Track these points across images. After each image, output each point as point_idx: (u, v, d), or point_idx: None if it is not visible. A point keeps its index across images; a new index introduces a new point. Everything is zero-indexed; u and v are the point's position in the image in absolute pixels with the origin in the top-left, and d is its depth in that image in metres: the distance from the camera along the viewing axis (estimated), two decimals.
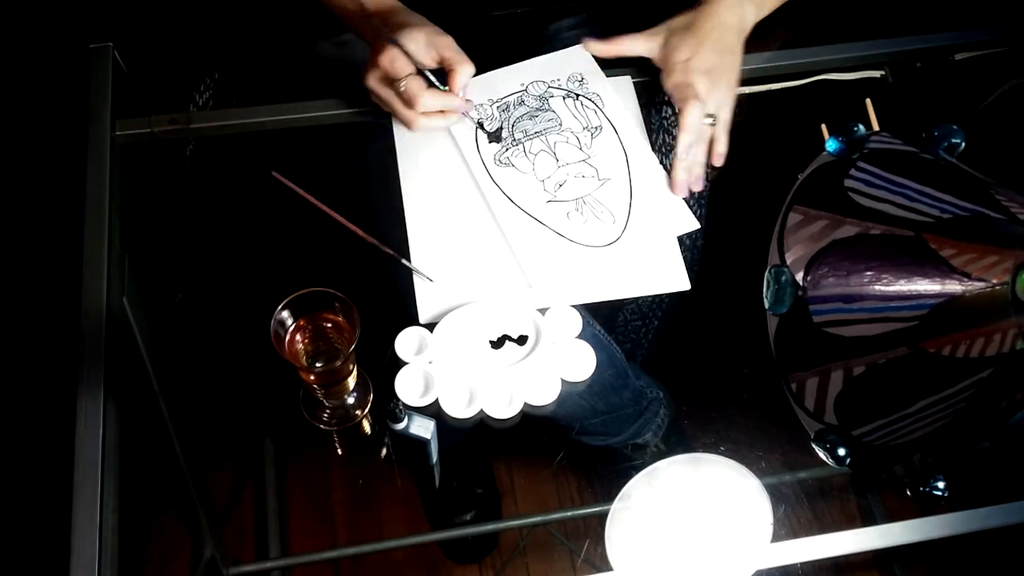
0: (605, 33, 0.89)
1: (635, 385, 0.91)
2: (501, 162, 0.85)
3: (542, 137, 0.86)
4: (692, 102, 0.81)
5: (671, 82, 0.84)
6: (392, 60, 0.77)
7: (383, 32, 0.78)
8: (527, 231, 0.81)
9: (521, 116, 0.87)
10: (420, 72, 0.79)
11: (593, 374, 0.78)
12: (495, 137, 0.84)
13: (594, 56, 0.91)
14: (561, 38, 0.98)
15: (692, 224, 0.82)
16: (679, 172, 0.82)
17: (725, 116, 0.83)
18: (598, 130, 0.87)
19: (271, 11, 1.02)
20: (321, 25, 0.99)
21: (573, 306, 0.78)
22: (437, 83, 0.80)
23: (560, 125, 0.87)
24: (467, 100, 0.83)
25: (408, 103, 0.79)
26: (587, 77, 0.91)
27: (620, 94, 0.90)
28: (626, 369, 0.89)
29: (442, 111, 0.82)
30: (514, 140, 0.86)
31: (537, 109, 0.88)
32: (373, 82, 0.80)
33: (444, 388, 0.75)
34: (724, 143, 0.83)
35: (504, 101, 0.88)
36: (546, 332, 0.77)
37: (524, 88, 0.90)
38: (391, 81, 0.78)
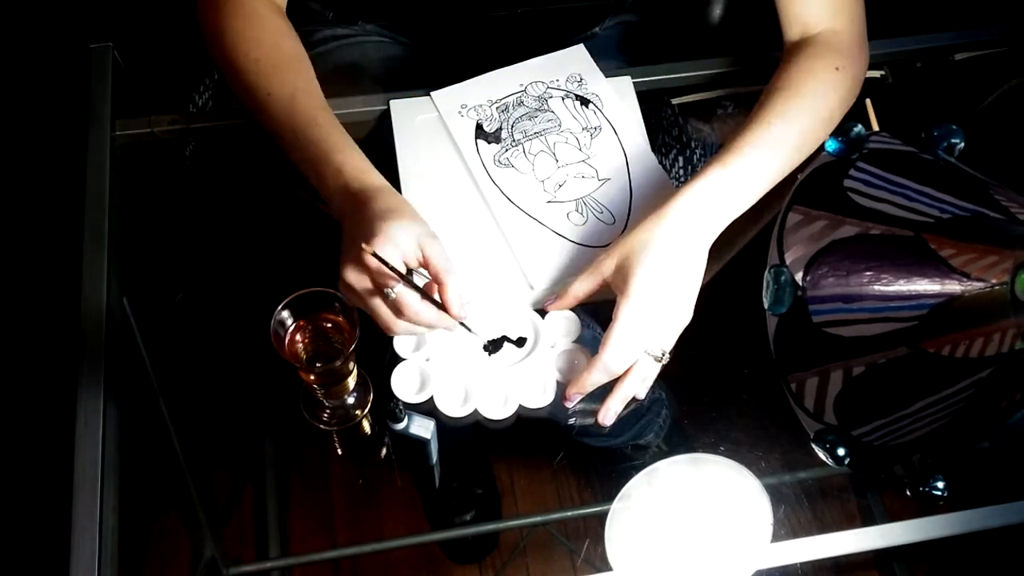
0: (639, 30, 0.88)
1: None
2: (501, 163, 0.85)
3: (541, 138, 0.86)
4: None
5: (614, 327, 0.71)
6: (382, 265, 0.65)
7: (365, 221, 0.67)
8: (527, 232, 0.81)
9: (520, 117, 0.87)
10: (408, 273, 0.68)
11: None
12: (494, 138, 0.84)
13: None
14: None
15: None
16: (587, 385, 0.72)
17: (669, 354, 0.73)
18: (597, 130, 0.87)
19: None
20: (319, 26, 0.99)
21: (573, 308, 0.78)
22: (423, 288, 0.68)
23: (559, 125, 0.87)
24: (462, 312, 0.70)
25: (396, 311, 0.67)
26: (586, 77, 0.91)
27: (621, 95, 0.90)
28: None
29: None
30: (513, 141, 0.86)
31: (536, 110, 0.88)
32: (355, 279, 0.67)
33: (439, 386, 0.75)
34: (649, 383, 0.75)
35: (503, 102, 0.88)
36: (544, 335, 0.77)
37: (523, 89, 0.90)
38: (376, 287, 0.67)
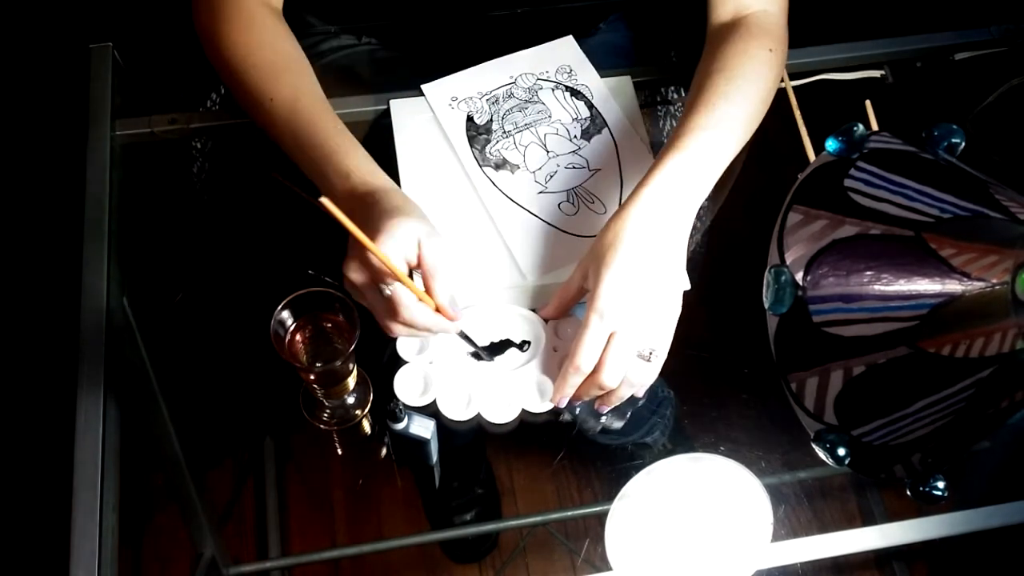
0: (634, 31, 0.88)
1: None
2: (491, 155, 0.85)
3: (532, 129, 0.86)
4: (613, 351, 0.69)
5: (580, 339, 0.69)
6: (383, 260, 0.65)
7: (370, 220, 0.67)
8: (519, 223, 0.81)
9: (511, 108, 0.87)
10: (409, 274, 0.68)
11: None
12: (485, 130, 0.82)
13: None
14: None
15: None
16: (566, 387, 0.71)
17: (661, 355, 0.71)
18: (587, 121, 0.87)
19: None
20: (319, 37, 0.99)
21: (582, 303, 0.78)
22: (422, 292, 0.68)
23: (549, 117, 0.87)
24: (455, 314, 0.70)
25: (393, 311, 0.67)
26: (576, 68, 0.91)
27: (621, 94, 0.90)
28: None
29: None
30: (504, 132, 0.86)
31: (526, 101, 0.88)
32: (357, 275, 0.67)
33: (443, 389, 0.75)
34: (650, 381, 0.73)
35: (493, 94, 0.89)
36: (548, 339, 0.77)
37: (513, 80, 0.90)
38: (374, 282, 0.67)
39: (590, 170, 0.85)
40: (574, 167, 0.85)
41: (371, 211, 0.68)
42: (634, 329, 0.69)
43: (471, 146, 0.86)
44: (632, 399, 0.74)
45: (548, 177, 0.84)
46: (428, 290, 0.68)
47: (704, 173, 0.73)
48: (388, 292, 0.66)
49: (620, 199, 0.83)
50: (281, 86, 0.77)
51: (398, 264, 0.65)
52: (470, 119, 0.86)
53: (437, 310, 0.68)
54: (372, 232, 0.65)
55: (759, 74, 0.80)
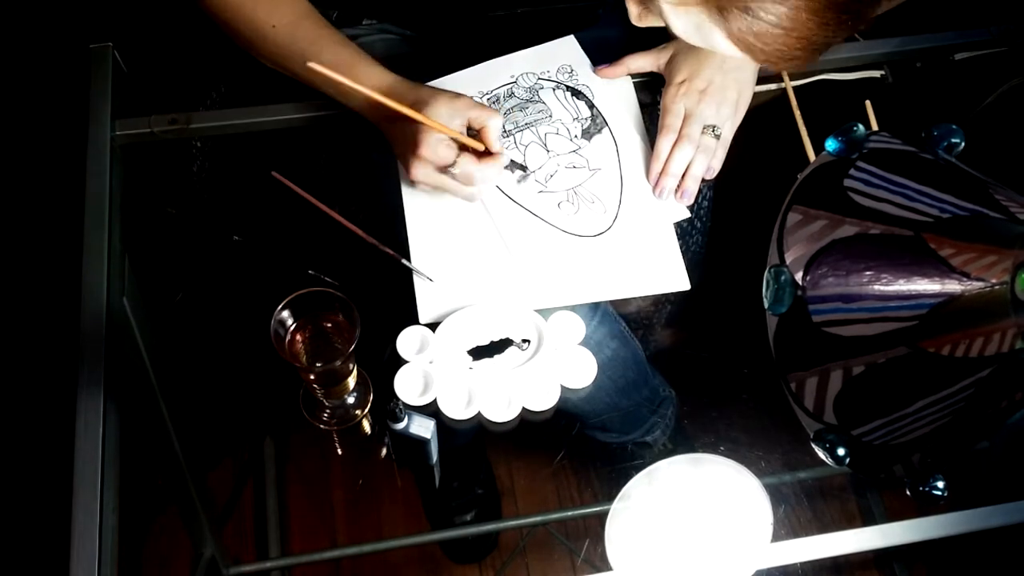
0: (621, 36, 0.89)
1: (652, 383, 0.91)
2: None
3: (532, 128, 0.86)
4: (684, 120, 0.82)
5: (664, 102, 0.84)
6: (434, 149, 0.74)
7: (405, 121, 0.75)
8: (518, 221, 0.81)
9: (511, 108, 0.87)
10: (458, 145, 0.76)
11: (617, 371, 0.78)
12: (519, 167, 0.84)
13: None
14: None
15: (683, 213, 0.83)
16: (667, 178, 0.83)
17: (725, 133, 0.83)
18: (588, 120, 0.87)
19: None
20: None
21: (579, 305, 0.78)
22: (474, 143, 0.77)
23: (550, 116, 0.87)
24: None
25: (466, 182, 0.77)
26: (577, 68, 0.91)
27: (621, 93, 0.90)
28: (647, 367, 0.89)
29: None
30: (504, 132, 0.86)
31: (527, 100, 0.88)
32: (423, 174, 0.76)
33: (443, 388, 0.75)
34: (720, 159, 0.83)
35: (494, 93, 0.89)
36: (548, 337, 0.77)
37: (514, 80, 0.90)
38: (441, 168, 0.76)
39: (590, 170, 0.85)
40: (574, 167, 0.85)
41: (402, 104, 0.74)
42: (711, 107, 0.81)
43: None
44: (631, 402, 0.74)
45: (548, 176, 0.84)
46: (483, 131, 0.76)
47: None
48: (457, 171, 0.75)
49: (620, 199, 0.83)
50: (280, 13, 0.80)
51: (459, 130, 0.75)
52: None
53: (487, 154, 0.77)
54: (414, 130, 0.74)
55: None
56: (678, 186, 0.83)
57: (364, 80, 0.76)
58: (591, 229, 0.81)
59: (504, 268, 0.80)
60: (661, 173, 0.83)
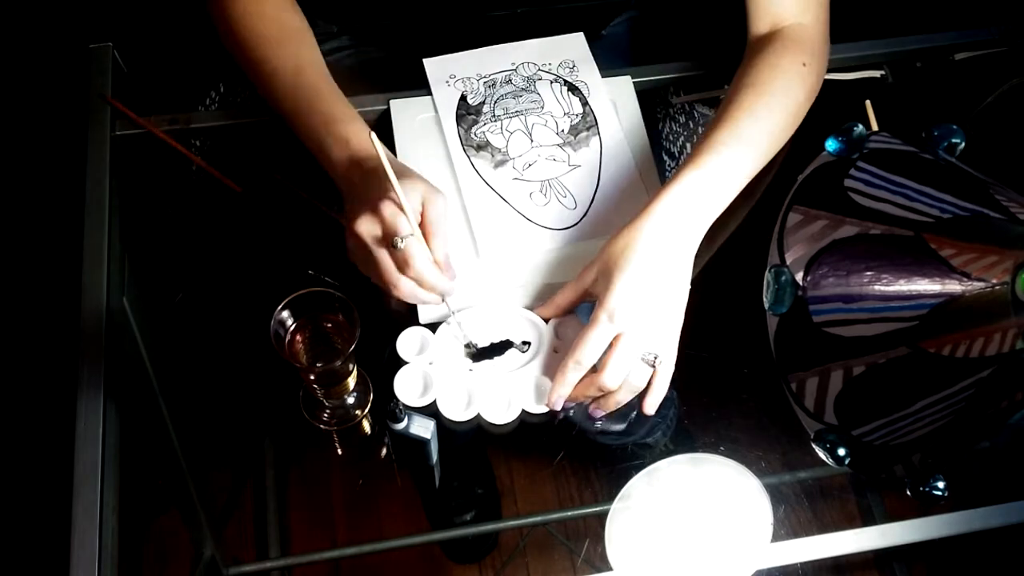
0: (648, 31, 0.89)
1: None
2: (476, 135, 0.86)
3: (521, 117, 0.87)
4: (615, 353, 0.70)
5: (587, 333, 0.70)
6: (394, 214, 0.68)
7: (376, 180, 0.70)
8: (487, 204, 0.82)
9: (505, 94, 0.88)
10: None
11: None
12: (475, 111, 0.83)
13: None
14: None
15: None
16: (559, 390, 0.71)
17: (668, 362, 0.72)
18: (578, 117, 0.88)
19: None
20: (319, 36, 0.99)
21: (585, 305, 0.78)
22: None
23: (541, 108, 0.88)
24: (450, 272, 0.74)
25: (400, 265, 0.70)
26: (579, 65, 0.91)
27: (620, 94, 0.90)
28: None
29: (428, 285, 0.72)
30: (493, 116, 0.87)
31: (523, 89, 0.89)
32: (366, 232, 0.69)
33: (442, 389, 0.75)
34: (661, 392, 0.72)
35: (492, 77, 0.89)
36: (548, 340, 0.77)
37: (514, 68, 0.90)
38: (386, 237, 0.69)
39: (569, 165, 0.85)
40: (554, 159, 0.85)
41: (375, 173, 0.71)
42: (641, 333, 0.70)
43: (458, 125, 0.86)
44: (630, 405, 0.74)
45: (526, 165, 0.84)
46: (428, 241, 0.70)
47: (720, 190, 0.75)
48: (401, 245, 0.67)
49: (592, 198, 0.83)
50: (284, 57, 0.80)
51: (412, 217, 0.67)
52: (463, 98, 0.87)
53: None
54: (380, 192, 0.68)
55: (788, 88, 0.80)
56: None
57: (353, 137, 0.75)
58: (558, 223, 0.81)
59: (463, 245, 0.80)
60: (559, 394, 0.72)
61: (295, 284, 0.70)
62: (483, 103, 0.87)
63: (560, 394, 0.72)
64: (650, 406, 0.73)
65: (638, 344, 0.70)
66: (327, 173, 0.78)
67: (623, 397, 0.72)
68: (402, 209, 0.67)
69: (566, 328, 0.78)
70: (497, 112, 0.87)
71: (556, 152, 0.85)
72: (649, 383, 0.72)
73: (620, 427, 0.80)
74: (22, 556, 1.26)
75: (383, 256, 0.70)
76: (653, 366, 0.71)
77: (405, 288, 0.71)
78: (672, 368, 0.72)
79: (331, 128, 0.75)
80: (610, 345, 0.70)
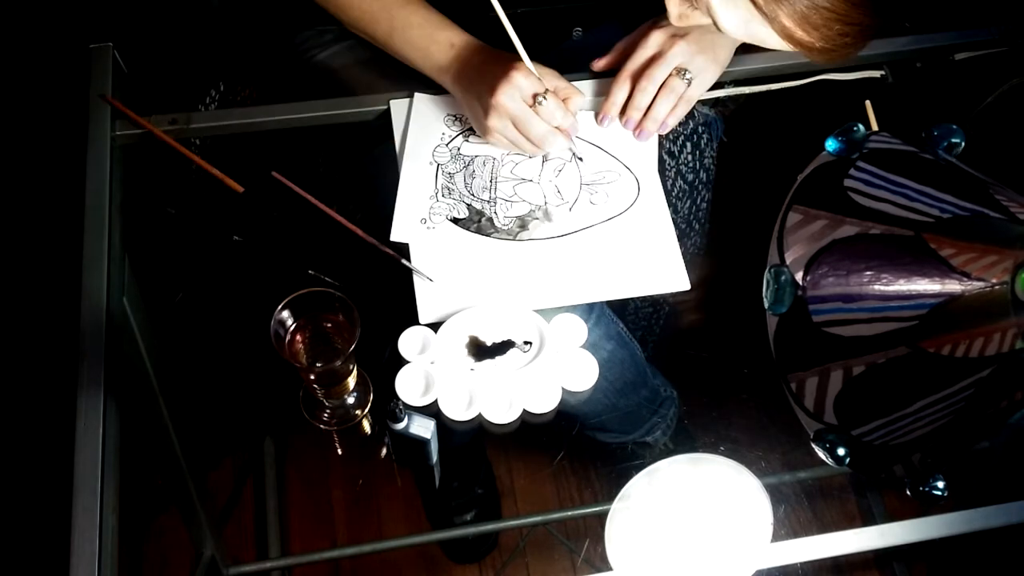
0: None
1: (652, 383, 0.91)
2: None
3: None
4: (655, 58, 0.83)
5: (640, 37, 0.84)
6: (530, 81, 0.78)
7: (497, 67, 0.79)
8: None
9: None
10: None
11: (615, 371, 0.78)
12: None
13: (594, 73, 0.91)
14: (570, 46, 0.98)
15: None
16: (613, 98, 0.84)
17: (693, 87, 0.83)
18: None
19: (274, 21, 1.02)
20: (318, 34, 0.99)
21: (577, 306, 0.78)
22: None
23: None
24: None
25: (549, 118, 0.79)
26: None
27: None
28: (645, 367, 0.89)
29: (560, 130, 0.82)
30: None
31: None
32: (508, 99, 0.78)
33: (444, 389, 0.75)
34: (680, 113, 0.84)
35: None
36: (550, 340, 0.77)
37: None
38: (531, 97, 0.78)
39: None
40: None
41: (490, 64, 0.80)
42: (685, 50, 0.81)
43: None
44: (630, 406, 0.74)
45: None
46: (567, 101, 0.80)
47: None
48: (543, 102, 0.78)
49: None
50: None
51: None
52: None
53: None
54: (506, 69, 0.77)
55: None
56: (637, 124, 0.85)
57: (455, 39, 0.83)
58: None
59: (502, 267, 0.80)
60: (627, 106, 0.85)
61: (295, 284, 0.70)
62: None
63: (614, 101, 0.84)
64: (653, 121, 0.84)
65: (679, 57, 0.81)
66: (433, 80, 0.86)
67: (660, 112, 0.83)
68: (534, 74, 0.78)
69: (567, 327, 0.78)
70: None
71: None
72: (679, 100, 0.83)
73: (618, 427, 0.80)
74: (22, 556, 1.26)
75: (527, 113, 0.78)
76: (687, 82, 0.82)
77: (549, 139, 0.80)
78: (698, 96, 0.83)
79: (436, 36, 0.83)
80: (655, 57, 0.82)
